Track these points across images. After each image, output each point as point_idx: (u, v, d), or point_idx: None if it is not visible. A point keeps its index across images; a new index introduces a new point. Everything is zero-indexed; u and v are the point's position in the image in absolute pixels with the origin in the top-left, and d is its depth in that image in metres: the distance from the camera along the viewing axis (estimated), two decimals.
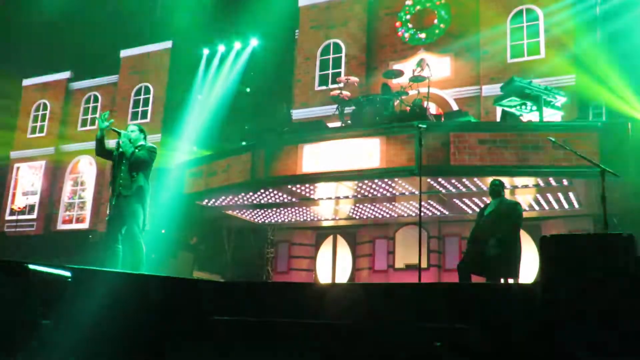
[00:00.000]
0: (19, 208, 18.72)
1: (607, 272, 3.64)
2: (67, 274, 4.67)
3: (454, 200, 11.25)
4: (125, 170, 6.78)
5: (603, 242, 3.87)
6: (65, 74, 20.45)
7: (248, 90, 16.64)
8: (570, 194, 10.46)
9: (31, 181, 19.84)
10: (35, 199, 19.48)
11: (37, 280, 4.32)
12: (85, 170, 19.11)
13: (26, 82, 21.12)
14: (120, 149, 6.83)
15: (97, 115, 19.44)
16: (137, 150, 6.84)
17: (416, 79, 11.44)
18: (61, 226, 18.73)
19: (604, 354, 2.81)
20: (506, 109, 10.53)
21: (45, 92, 20.66)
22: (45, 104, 20.52)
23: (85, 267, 5.45)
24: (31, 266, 4.32)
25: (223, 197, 12.40)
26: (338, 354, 3.84)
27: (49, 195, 19.28)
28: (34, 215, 19.20)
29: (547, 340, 3.75)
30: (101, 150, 6.98)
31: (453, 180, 10.18)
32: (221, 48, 17.59)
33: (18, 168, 20.23)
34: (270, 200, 12.22)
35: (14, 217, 18.59)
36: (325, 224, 14.17)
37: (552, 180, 9.75)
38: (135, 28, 18.57)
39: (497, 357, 2.96)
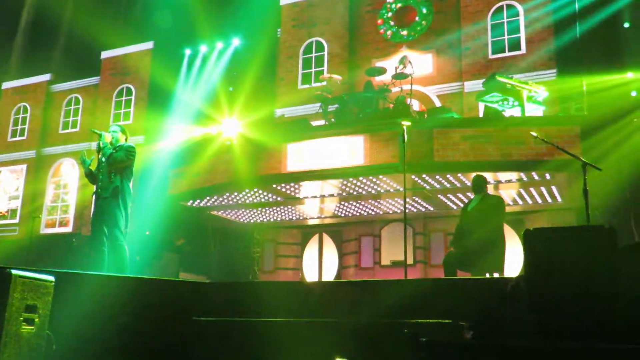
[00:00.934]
0: (1, 213, 18.48)
1: (590, 264, 3.68)
2: (51, 278, 4.62)
3: (439, 196, 11.30)
4: (104, 172, 6.77)
5: (586, 234, 3.91)
6: (45, 77, 20.22)
7: (231, 89, 16.57)
8: (553, 188, 10.56)
9: (13, 185, 19.62)
10: (17, 203, 19.27)
11: (21, 286, 4.27)
12: (68, 173, 18.93)
13: (6, 85, 20.87)
14: (101, 152, 6.82)
15: (79, 116, 19.35)
16: (114, 152, 6.82)
17: (399, 76, 11.48)
18: (44, 230, 18.54)
19: (588, 344, 2.84)
20: (488, 104, 10.59)
21: (25, 95, 20.42)
22: (25, 107, 20.29)
23: (69, 271, 5.41)
24: (14, 271, 4.27)
25: (208, 198, 12.35)
26: (325, 351, 3.85)
27: (32, 199, 19.07)
28: (16, 220, 18.99)
29: (533, 333, 3.78)
30: (94, 180, 6.95)
31: (437, 177, 10.23)
32: (203, 48, 17.50)
33: None
34: (255, 200, 12.19)
35: None
36: (310, 222, 14.17)
37: (534, 175, 9.84)
38: (115, 29, 18.39)
39: (483, 351, 2.98)
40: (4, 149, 20.15)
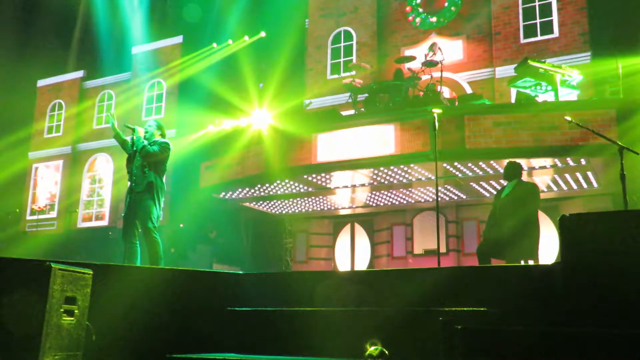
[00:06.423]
0: (40, 207, 18.93)
1: (629, 249, 3.61)
2: (89, 270, 4.72)
3: (471, 183, 11.19)
4: (138, 167, 6.82)
5: (624, 219, 3.82)
6: (79, 73, 20.59)
7: (261, 86, 16.60)
8: (589, 174, 10.36)
9: (50, 181, 20.06)
10: (55, 198, 19.71)
11: (60, 278, 4.37)
12: (103, 167, 19.27)
13: (40, 82, 21.30)
14: (134, 145, 6.88)
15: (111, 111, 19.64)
16: (148, 145, 6.87)
17: (429, 64, 11.36)
18: (81, 224, 18.92)
19: (626, 331, 2.78)
20: (521, 90, 10.42)
21: (59, 92, 20.82)
22: (60, 104, 20.69)
23: (106, 264, 5.51)
24: (54, 264, 4.37)
25: (239, 190, 12.44)
26: (359, 339, 3.86)
27: (68, 194, 19.48)
28: (54, 215, 19.43)
29: (569, 321, 3.72)
30: (116, 135, 7.11)
31: (469, 164, 10.12)
32: (231, 41, 17.56)
33: (37, 168, 20.46)
34: (286, 191, 12.24)
35: (34, 217, 18.80)
36: (342, 212, 14.18)
37: (569, 160, 9.66)
38: (145, 24, 18.62)
39: (519, 338, 2.95)
40: (41, 146, 20.61)
